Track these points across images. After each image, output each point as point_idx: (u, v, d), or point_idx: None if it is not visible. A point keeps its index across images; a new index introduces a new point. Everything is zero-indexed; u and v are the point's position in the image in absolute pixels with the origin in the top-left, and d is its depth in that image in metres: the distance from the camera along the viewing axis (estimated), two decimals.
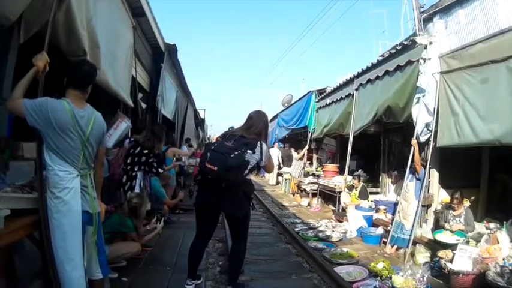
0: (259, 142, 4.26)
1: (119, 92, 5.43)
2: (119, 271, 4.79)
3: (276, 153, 17.69)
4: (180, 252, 6.01)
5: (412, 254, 6.41)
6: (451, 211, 6.34)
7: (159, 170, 5.79)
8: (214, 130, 39.67)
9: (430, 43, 6.62)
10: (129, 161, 5.63)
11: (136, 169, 5.59)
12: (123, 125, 5.95)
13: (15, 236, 2.90)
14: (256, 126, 4.47)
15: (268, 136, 4.87)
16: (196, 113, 20.29)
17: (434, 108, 6.49)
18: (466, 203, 6.40)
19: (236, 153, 4.05)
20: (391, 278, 5.36)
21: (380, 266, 5.73)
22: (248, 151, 4.11)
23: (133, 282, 4.71)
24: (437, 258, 5.65)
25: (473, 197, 6.83)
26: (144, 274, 5.06)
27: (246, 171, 4.19)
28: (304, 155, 15.38)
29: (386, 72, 8.08)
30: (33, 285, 3.48)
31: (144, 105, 8.73)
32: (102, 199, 3.64)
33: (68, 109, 3.01)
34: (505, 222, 5.70)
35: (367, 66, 9.23)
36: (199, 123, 22.92)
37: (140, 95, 8.02)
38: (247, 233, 4.72)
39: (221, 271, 5.55)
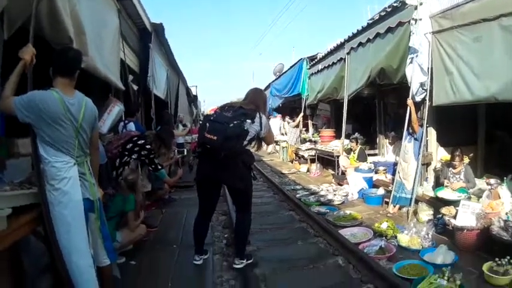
0: (258, 113, 4.28)
1: (108, 75, 5.37)
2: (126, 255, 4.82)
3: (278, 124, 17.75)
4: (184, 229, 6.06)
5: (415, 213, 6.54)
6: (450, 168, 6.40)
7: (159, 166, 5.79)
8: (208, 105, 39.51)
9: (420, 4, 6.54)
10: (128, 146, 5.60)
11: (133, 157, 5.57)
12: (116, 109, 5.91)
13: (19, 233, 2.88)
14: (254, 100, 4.50)
15: (266, 110, 4.88)
16: (188, 90, 20.14)
17: (428, 68, 6.48)
18: (466, 160, 6.48)
19: (235, 122, 4.07)
20: (396, 237, 5.47)
21: (384, 226, 5.84)
22: (247, 120, 4.13)
23: (141, 264, 4.75)
24: (440, 215, 5.75)
25: (471, 154, 6.90)
26: (152, 255, 5.10)
27: (245, 142, 4.21)
28: (299, 122, 15.37)
29: (378, 35, 8.02)
30: (42, 280, 3.47)
31: (135, 87, 8.68)
32: (102, 184, 3.66)
33: (58, 98, 2.98)
34: (505, 178, 5.77)
35: (357, 30, 9.15)
36: (192, 100, 22.75)
37: (131, 77, 7.95)
38: (251, 203, 4.73)
39: (227, 244, 5.60)
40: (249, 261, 4.71)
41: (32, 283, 3.37)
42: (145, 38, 9.24)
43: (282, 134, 17.40)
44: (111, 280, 3.59)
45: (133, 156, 5.59)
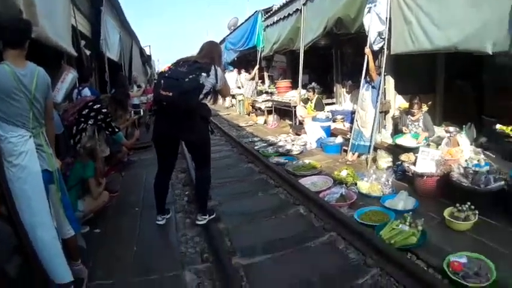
0: (213, 66, 4.19)
1: (59, 42, 5.20)
2: (89, 224, 4.72)
3: (234, 78, 17.55)
4: (145, 190, 5.97)
5: (374, 160, 6.66)
6: (409, 116, 6.49)
7: (116, 129, 5.63)
8: (162, 64, 38.82)
9: None
10: (84, 112, 5.41)
11: (90, 122, 5.39)
12: (70, 76, 5.79)
13: None
14: (209, 53, 4.41)
15: (221, 63, 4.79)
16: (142, 50, 19.81)
17: (386, 18, 6.44)
18: (424, 107, 6.59)
19: (190, 76, 3.97)
20: (356, 184, 5.56)
21: (344, 173, 5.93)
22: (203, 74, 4.04)
23: (106, 232, 4.67)
24: (399, 162, 5.86)
25: (430, 102, 7.03)
26: (115, 221, 5.01)
27: (202, 96, 4.12)
28: (255, 74, 15.28)
29: None
30: (11, 263, 3.37)
31: (88, 52, 8.40)
32: (60, 154, 3.52)
33: (9, 71, 2.83)
34: (464, 126, 5.94)
35: None
36: (146, 60, 22.40)
37: (83, 43, 7.70)
38: (210, 158, 4.69)
39: (189, 201, 5.57)
40: (211, 217, 4.70)
41: (1, 269, 3.26)
42: (97, 2, 9.05)
43: (239, 88, 17.25)
44: (77, 251, 3.52)
45: (89, 122, 5.42)
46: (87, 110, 5.44)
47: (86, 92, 6.91)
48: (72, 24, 6.50)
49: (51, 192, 3.13)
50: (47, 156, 3.10)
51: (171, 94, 3.90)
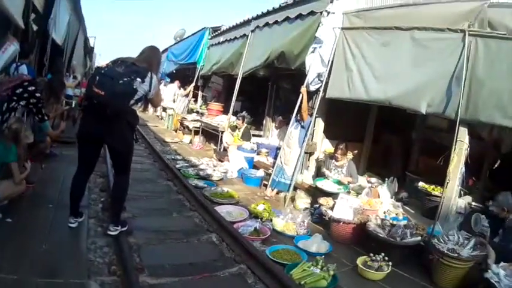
0: (149, 72, 4.11)
1: (11, 10, 4.82)
2: (1, 211, 4.39)
3: (173, 90, 17.21)
4: (62, 188, 5.61)
5: (293, 199, 6.68)
6: (333, 161, 6.60)
7: (45, 117, 5.31)
8: (103, 60, 37.69)
9: None
10: (18, 91, 5.04)
11: (22, 103, 5.04)
12: (12, 48, 5.52)
13: None
14: (148, 58, 4.34)
15: (159, 71, 4.69)
16: (86, 40, 18.83)
17: (329, 61, 6.62)
18: (349, 155, 6.72)
19: (125, 79, 3.89)
20: (271, 220, 5.53)
21: (261, 208, 5.87)
22: (138, 79, 3.95)
23: (17, 223, 4.36)
24: (317, 205, 5.90)
25: (356, 151, 7.20)
26: (28, 213, 4.70)
27: (133, 101, 4.02)
28: (190, 92, 15.12)
29: (287, 19, 8.04)
30: None
31: (35, 28, 7.83)
32: None
33: None
34: (386, 179, 6.15)
35: (267, 10, 9.08)
36: (89, 51, 21.49)
37: (33, 16, 7.16)
38: (130, 167, 4.56)
39: (103, 208, 5.34)
40: (123, 229, 4.50)
41: None
42: None
43: (173, 101, 16.96)
44: None
45: (21, 103, 5.08)
46: (21, 89, 5.10)
47: (24, 69, 6.50)
48: None
49: None
50: None
51: (102, 93, 3.82)
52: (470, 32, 4.72)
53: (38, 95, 5.20)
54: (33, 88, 5.17)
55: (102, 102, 3.86)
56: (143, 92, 4.05)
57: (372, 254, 4.24)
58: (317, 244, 4.78)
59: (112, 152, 4.58)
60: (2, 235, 3.96)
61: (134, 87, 3.93)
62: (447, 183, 4.84)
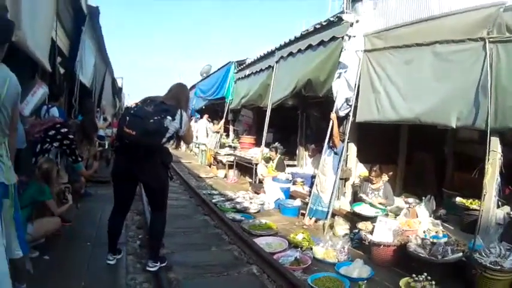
0: (179, 110, 4.16)
1: (37, 54, 4.95)
2: (38, 249, 4.48)
3: (204, 125, 17.46)
4: (99, 226, 5.74)
5: (331, 226, 6.58)
6: (369, 184, 6.54)
7: (79, 158, 5.49)
8: (132, 99, 38.65)
9: (357, 21, 6.74)
10: (51, 133, 5.24)
11: (55, 144, 5.24)
12: (41, 91, 5.60)
13: None
14: (177, 95, 4.41)
15: (188, 108, 4.75)
16: (114, 81, 19.39)
17: (355, 84, 6.63)
18: (385, 177, 6.64)
19: (156, 118, 3.95)
20: (311, 249, 5.47)
21: (300, 237, 5.82)
22: (168, 117, 4.01)
23: (54, 261, 4.43)
24: (356, 230, 5.83)
25: (391, 172, 7.10)
26: (65, 251, 4.79)
27: (165, 139, 4.08)
28: (221, 127, 15.27)
29: (309, 46, 8.12)
30: None
31: (62, 70, 8.13)
32: (19, 169, 3.30)
33: None
34: (423, 198, 6.02)
35: (289, 40, 9.20)
36: (117, 92, 22.10)
37: (59, 59, 7.44)
38: (166, 204, 4.60)
39: (141, 245, 5.40)
40: (162, 265, 4.51)
41: None
42: (79, 20, 8.51)
43: (207, 136, 17.15)
44: (24, 273, 3.24)
45: (54, 144, 5.30)
46: (53, 132, 5.29)
47: (54, 111, 6.65)
48: (52, 37, 6.16)
49: (4, 207, 2.85)
50: (5, 168, 2.83)
51: (134, 133, 3.88)
52: (490, 39, 4.66)
53: (70, 136, 5.37)
54: (65, 130, 5.35)
55: (133, 142, 3.94)
56: (174, 130, 4.10)
57: (414, 275, 4.15)
58: (358, 269, 4.70)
59: (147, 189, 4.61)
60: (40, 272, 3.95)
61: (165, 125, 3.98)
62: (484, 195, 4.72)
